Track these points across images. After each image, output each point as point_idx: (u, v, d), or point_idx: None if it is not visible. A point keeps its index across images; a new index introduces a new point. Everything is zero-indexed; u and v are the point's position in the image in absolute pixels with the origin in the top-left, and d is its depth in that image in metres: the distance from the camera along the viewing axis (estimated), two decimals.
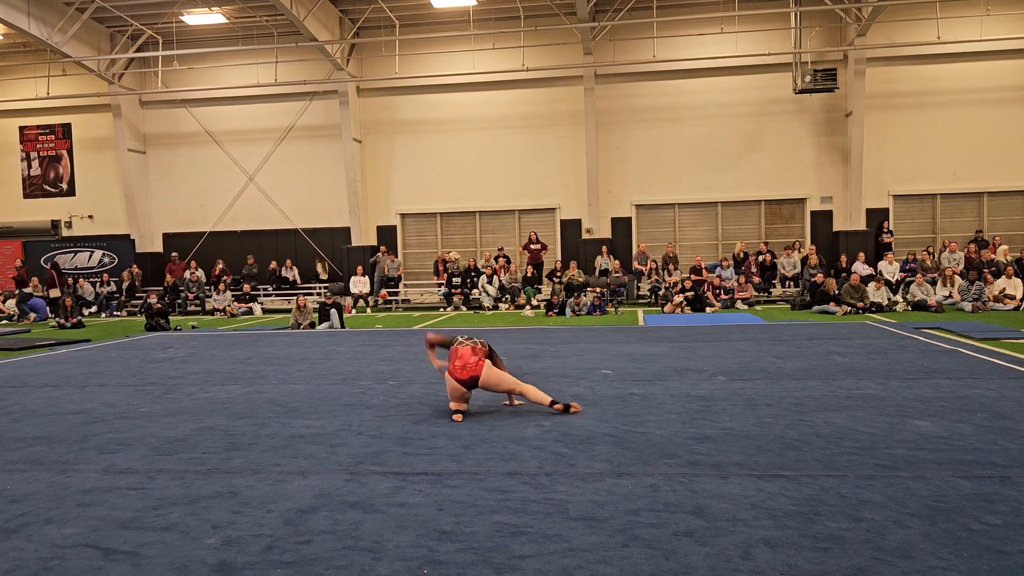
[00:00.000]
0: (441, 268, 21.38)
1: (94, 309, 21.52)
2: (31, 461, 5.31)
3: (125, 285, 22.26)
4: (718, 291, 18.38)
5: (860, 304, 16.10)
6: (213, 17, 21.29)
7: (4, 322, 19.66)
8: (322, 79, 22.19)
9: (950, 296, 16.87)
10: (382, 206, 23.22)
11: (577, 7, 19.40)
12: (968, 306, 15.96)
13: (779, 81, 21.11)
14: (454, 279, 20.22)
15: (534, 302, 19.32)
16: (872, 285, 16.92)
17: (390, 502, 4.20)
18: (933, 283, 17.44)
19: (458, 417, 6.15)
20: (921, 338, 10.93)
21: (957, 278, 17.30)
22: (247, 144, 23.36)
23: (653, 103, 21.83)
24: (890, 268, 18.78)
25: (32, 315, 19.58)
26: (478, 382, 6.18)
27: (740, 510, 3.91)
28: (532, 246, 21.01)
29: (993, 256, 18.76)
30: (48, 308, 20.14)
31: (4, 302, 20.61)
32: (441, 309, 20.05)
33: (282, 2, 18.50)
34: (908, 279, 18.21)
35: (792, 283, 19.69)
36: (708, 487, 4.30)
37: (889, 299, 16.89)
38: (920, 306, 16.26)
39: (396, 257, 22.43)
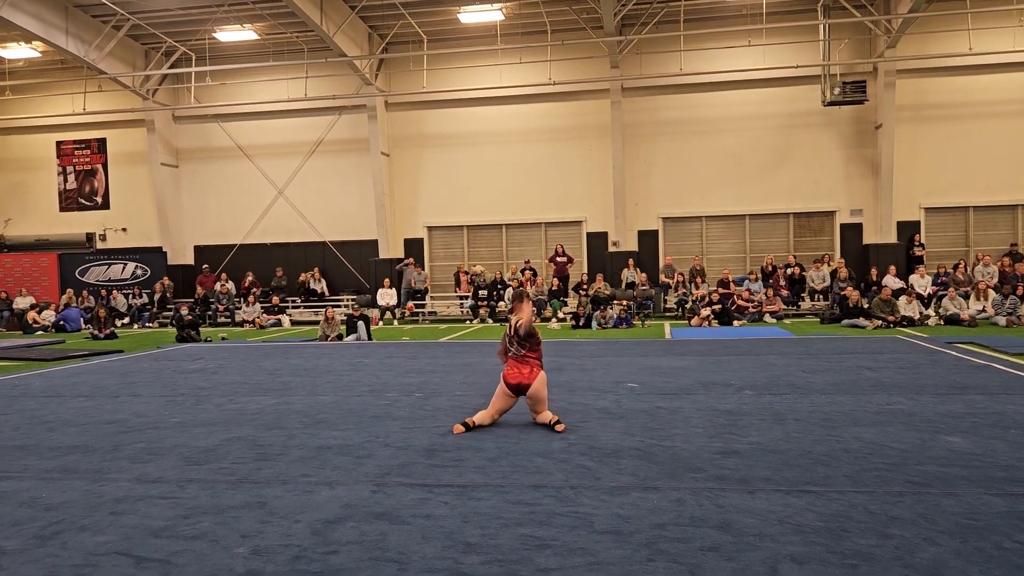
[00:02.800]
0: (464, 279, 21.45)
1: (126, 320, 21.88)
2: (66, 470, 5.42)
3: (157, 297, 22.60)
4: (746, 306, 18.23)
5: (891, 318, 15.89)
6: (245, 34, 21.65)
7: (39, 333, 20.04)
8: (351, 94, 22.45)
9: (983, 310, 16.59)
10: (409, 219, 23.39)
11: (604, 21, 19.47)
12: (1002, 320, 15.69)
13: (808, 93, 20.98)
14: (480, 291, 20.28)
15: (560, 315, 19.30)
16: (903, 299, 16.71)
17: (416, 514, 4.22)
18: (966, 297, 17.17)
19: (458, 428, 6.19)
20: (953, 353, 10.77)
21: (991, 292, 17.01)
22: (277, 158, 23.68)
23: (680, 116, 21.80)
24: (922, 282, 18.52)
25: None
26: (527, 391, 6.26)
27: (767, 525, 3.88)
28: (558, 259, 21.03)
29: None
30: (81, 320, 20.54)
31: (40, 313, 21.01)
32: (467, 321, 20.11)
33: (312, 19, 18.78)
34: (940, 293, 17.95)
35: (821, 296, 19.49)
36: (735, 502, 4.28)
37: (921, 313, 16.65)
38: (953, 320, 16.01)
39: (423, 270, 22.56)
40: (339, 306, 21.41)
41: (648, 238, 22.23)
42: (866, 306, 16.66)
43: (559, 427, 6.18)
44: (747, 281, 19.50)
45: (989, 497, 4.27)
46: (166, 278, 23.28)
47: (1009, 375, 8.62)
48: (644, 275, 20.48)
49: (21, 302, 21.85)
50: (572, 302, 20.29)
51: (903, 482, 4.58)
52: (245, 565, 3.55)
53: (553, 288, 20.40)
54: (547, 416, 6.36)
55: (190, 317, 16.96)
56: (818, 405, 7.04)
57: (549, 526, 3.96)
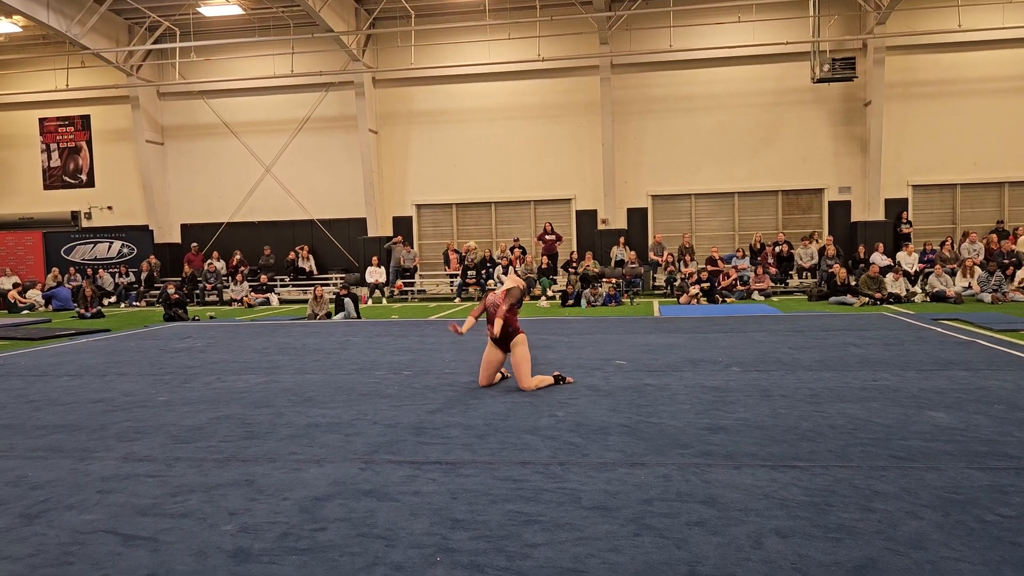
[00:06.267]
0: (453, 258, 21.41)
1: (113, 299, 21.74)
2: (52, 448, 5.40)
3: (144, 276, 22.46)
4: (733, 284, 18.27)
5: (878, 295, 15.99)
6: (229, 8, 21.37)
7: (25, 312, 19.90)
8: (338, 70, 22.24)
9: (969, 287, 16.69)
10: (398, 197, 23.28)
11: None
12: (988, 297, 15.81)
13: (797, 70, 20.92)
14: (469, 270, 20.25)
15: (549, 293, 19.32)
16: (890, 276, 16.80)
17: (404, 490, 4.24)
18: (952, 274, 17.27)
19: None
20: (939, 329, 10.85)
21: (977, 269, 17.12)
22: (264, 135, 23.47)
23: (670, 93, 21.71)
24: (909, 259, 18.62)
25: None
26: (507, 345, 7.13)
27: (752, 500, 3.92)
28: (547, 237, 21.00)
29: (1014, 247, 18.54)
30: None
31: (24, 293, 20.85)
32: (457, 299, 20.09)
33: None
34: (927, 270, 18.04)
35: (809, 274, 19.57)
36: (721, 477, 4.31)
37: (907, 290, 16.75)
38: (939, 297, 16.12)
39: (412, 248, 22.50)
40: (328, 284, 21.34)
41: (637, 216, 22.22)
42: (853, 283, 16.75)
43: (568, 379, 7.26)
44: (735, 259, 19.56)
45: (971, 471, 4.32)
46: (153, 256, 23.12)
47: (993, 351, 8.70)
48: (633, 253, 20.48)
49: (5, 282, 21.66)
50: (561, 280, 20.30)
51: (887, 457, 4.63)
52: (233, 542, 3.56)
53: (543, 267, 20.40)
54: (532, 383, 6.97)
55: (177, 296, 16.86)
56: (804, 381, 7.09)
57: (537, 502, 3.98)
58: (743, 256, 19.62)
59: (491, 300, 7.16)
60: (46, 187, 24.71)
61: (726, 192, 21.85)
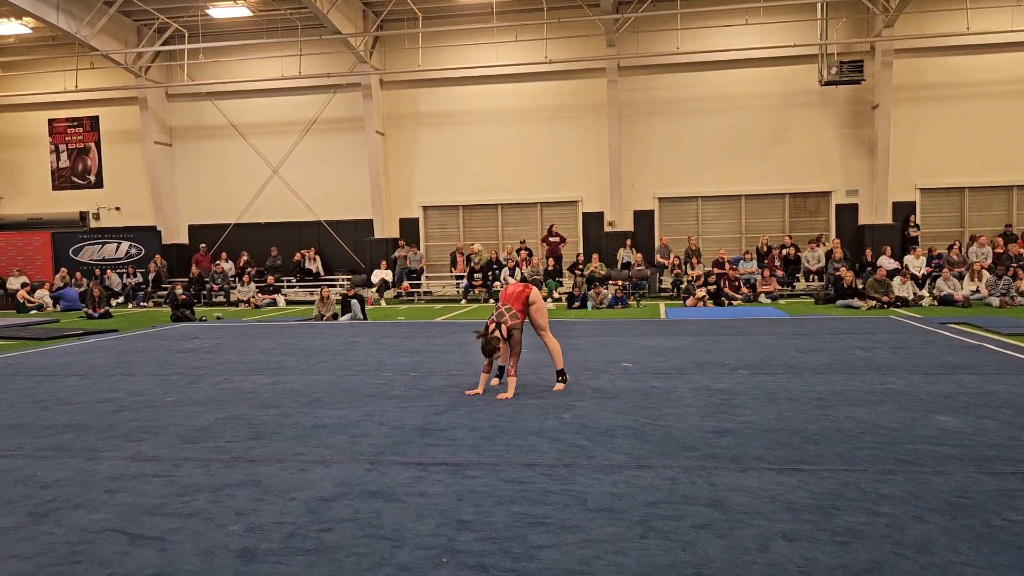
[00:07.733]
0: (460, 259, 21.43)
1: (121, 300, 21.82)
2: (60, 448, 5.43)
3: (151, 276, 22.54)
4: (736, 283, 18.24)
5: (885, 299, 15.94)
6: (238, 10, 21.44)
7: (34, 312, 19.99)
8: (346, 72, 22.29)
9: (977, 291, 16.63)
10: (404, 199, 23.31)
11: None
12: (996, 301, 15.74)
13: (805, 73, 20.88)
14: (475, 272, 20.27)
15: (556, 295, 19.32)
16: (898, 279, 16.75)
17: (410, 492, 4.24)
18: (960, 278, 17.20)
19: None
20: (946, 333, 10.81)
21: (985, 272, 17.05)
22: (271, 137, 23.54)
23: (677, 95, 21.70)
24: (916, 262, 18.55)
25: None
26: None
27: (759, 503, 3.91)
28: (551, 239, 21.00)
29: (1022, 250, 18.46)
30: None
31: (33, 293, 20.95)
32: (463, 301, 20.11)
33: None
34: (935, 273, 17.98)
35: (816, 277, 19.53)
36: (727, 480, 4.31)
37: (915, 294, 16.69)
38: (946, 301, 16.06)
39: (418, 249, 22.53)
40: (334, 286, 21.39)
41: (644, 218, 22.20)
42: (861, 286, 16.71)
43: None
44: (742, 262, 19.53)
45: (979, 475, 4.30)
46: (160, 257, 23.20)
47: (1001, 355, 8.66)
48: (640, 255, 20.47)
49: (14, 282, 21.76)
50: (568, 282, 20.30)
51: (894, 461, 4.61)
52: (240, 542, 3.57)
53: (548, 268, 20.39)
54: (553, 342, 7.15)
55: (184, 296, 16.92)
56: (811, 385, 7.07)
57: (543, 504, 3.98)
58: (750, 259, 19.59)
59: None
60: (55, 188, 24.83)
61: (733, 195, 21.82)
